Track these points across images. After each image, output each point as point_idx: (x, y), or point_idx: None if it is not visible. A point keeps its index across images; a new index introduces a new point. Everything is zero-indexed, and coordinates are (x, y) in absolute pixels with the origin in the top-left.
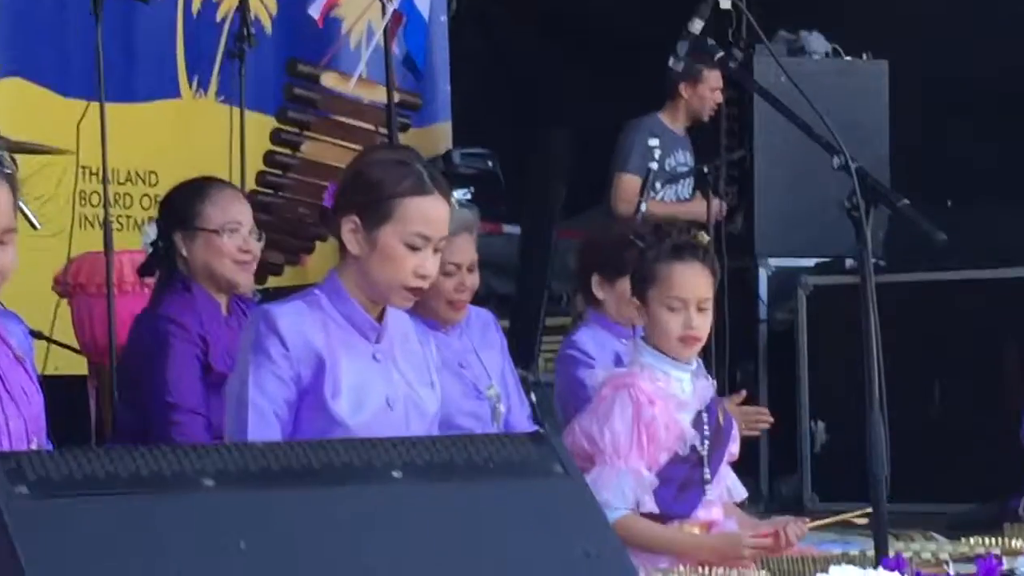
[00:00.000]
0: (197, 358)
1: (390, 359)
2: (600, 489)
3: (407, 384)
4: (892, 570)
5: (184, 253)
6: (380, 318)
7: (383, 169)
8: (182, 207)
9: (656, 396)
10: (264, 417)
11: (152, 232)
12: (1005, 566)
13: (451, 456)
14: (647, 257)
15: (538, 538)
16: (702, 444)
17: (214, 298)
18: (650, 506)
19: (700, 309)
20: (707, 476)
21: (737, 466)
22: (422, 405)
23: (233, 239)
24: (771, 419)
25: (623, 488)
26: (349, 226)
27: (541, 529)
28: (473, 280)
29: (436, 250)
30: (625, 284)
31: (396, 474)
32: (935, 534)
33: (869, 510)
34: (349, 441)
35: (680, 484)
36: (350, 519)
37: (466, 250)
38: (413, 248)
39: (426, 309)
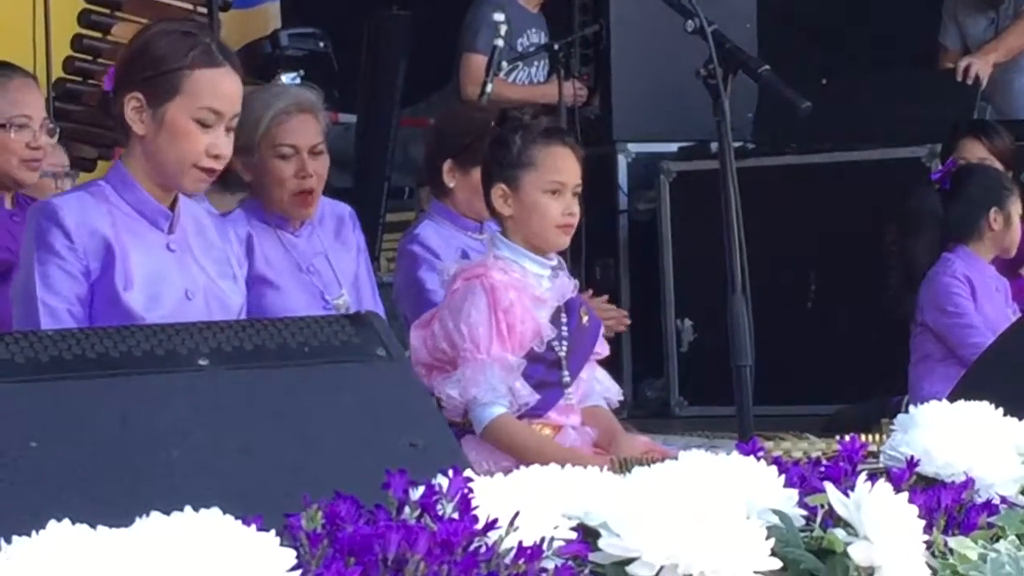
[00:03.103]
0: None
1: (186, 250)
2: (468, 387)
3: (206, 276)
4: (747, 455)
5: None
6: (172, 207)
7: (167, 41)
8: None
9: (509, 286)
10: (57, 316)
11: None
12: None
13: (263, 341)
14: (518, 140)
15: (359, 428)
16: (560, 344)
17: None
18: (525, 394)
19: (575, 194)
20: (566, 379)
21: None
22: (224, 298)
23: (21, 134)
24: (628, 321)
25: (491, 381)
26: (133, 104)
27: (362, 418)
28: (319, 166)
29: (228, 129)
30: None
31: (202, 361)
32: (809, 435)
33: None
34: (150, 327)
35: (535, 384)
36: (153, 411)
37: (304, 131)
38: (204, 125)
39: (271, 203)
